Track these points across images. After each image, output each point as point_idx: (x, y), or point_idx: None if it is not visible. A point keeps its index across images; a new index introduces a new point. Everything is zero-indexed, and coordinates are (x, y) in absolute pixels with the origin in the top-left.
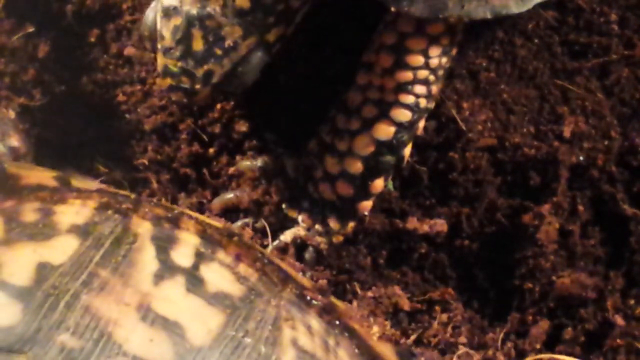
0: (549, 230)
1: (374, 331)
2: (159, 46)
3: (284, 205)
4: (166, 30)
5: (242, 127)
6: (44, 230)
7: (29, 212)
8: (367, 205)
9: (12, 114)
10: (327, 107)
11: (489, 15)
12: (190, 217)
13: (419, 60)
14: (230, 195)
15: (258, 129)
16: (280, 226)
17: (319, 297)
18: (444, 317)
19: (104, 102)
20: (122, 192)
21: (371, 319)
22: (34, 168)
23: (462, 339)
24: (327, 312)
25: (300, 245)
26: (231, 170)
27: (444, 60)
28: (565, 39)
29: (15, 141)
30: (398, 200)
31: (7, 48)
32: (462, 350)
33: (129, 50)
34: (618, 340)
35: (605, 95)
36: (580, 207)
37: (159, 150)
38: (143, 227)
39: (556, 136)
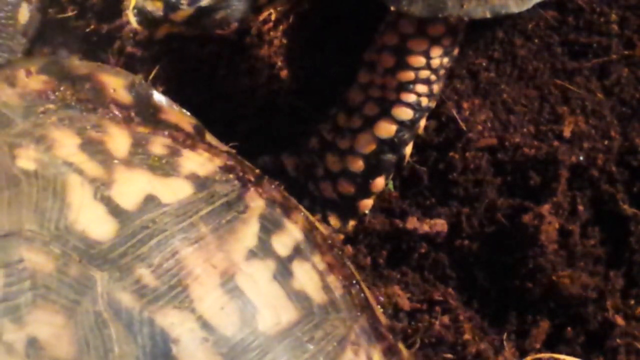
0: (549, 230)
1: None
2: None
3: None
4: None
5: (242, 126)
6: (164, 167)
7: (158, 145)
8: (367, 203)
9: None
10: (327, 107)
11: (488, 15)
12: (302, 213)
13: (421, 61)
14: None
15: (258, 129)
16: None
17: (390, 336)
18: (445, 317)
19: None
20: (247, 163)
21: None
22: (175, 107)
23: (463, 339)
24: (391, 353)
25: None
26: None
27: (445, 60)
28: (565, 39)
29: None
30: (398, 200)
31: None
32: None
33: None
34: (618, 340)
35: (605, 95)
36: (580, 207)
37: None
38: (256, 203)
39: (556, 136)
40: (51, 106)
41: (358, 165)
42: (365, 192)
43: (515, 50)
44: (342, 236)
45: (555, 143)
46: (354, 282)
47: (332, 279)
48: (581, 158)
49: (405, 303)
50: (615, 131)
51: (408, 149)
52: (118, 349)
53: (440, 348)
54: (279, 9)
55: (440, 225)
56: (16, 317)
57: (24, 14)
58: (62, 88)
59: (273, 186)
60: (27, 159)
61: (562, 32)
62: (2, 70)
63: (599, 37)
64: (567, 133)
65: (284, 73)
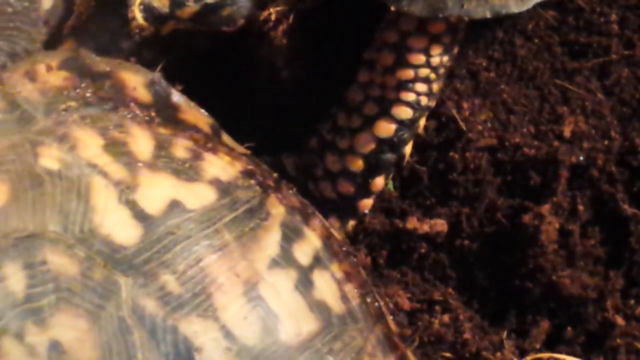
0: (549, 230)
1: None
2: None
3: None
4: None
5: (243, 126)
6: (188, 171)
7: (181, 148)
8: (367, 203)
9: None
10: (327, 106)
11: (488, 15)
12: (319, 219)
13: (420, 58)
14: None
15: (258, 129)
16: None
17: (402, 345)
18: (445, 317)
19: None
20: (264, 166)
21: None
22: (193, 106)
23: (463, 339)
24: None
25: None
26: None
27: (445, 58)
28: (565, 39)
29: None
30: (398, 200)
31: None
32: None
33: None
34: (618, 340)
35: (605, 95)
36: (580, 207)
37: None
38: (277, 210)
39: (556, 136)
40: (72, 103)
41: (358, 164)
42: (365, 192)
43: (515, 50)
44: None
45: (555, 143)
46: (369, 290)
47: (349, 288)
48: (581, 158)
49: (405, 303)
50: (615, 131)
51: (408, 149)
52: (141, 356)
53: (439, 347)
54: (279, 8)
55: (440, 225)
56: (39, 320)
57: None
58: (82, 85)
59: (291, 191)
60: (50, 158)
61: (562, 32)
62: (22, 64)
63: (599, 37)
64: (567, 133)
65: (284, 73)
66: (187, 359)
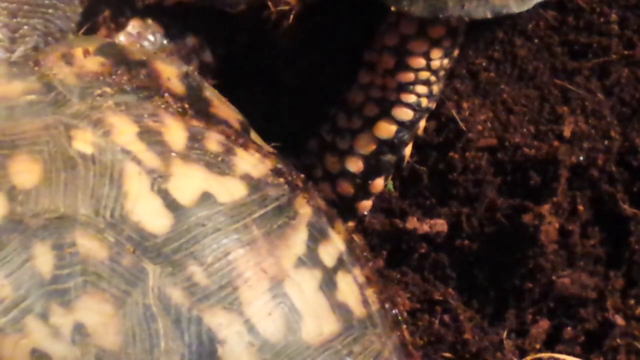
0: (549, 230)
1: None
2: None
3: None
4: None
5: None
6: (220, 165)
7: (213, 142)
8: (367, 204)
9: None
10: (326, 107)
11: (489, 15)
12: (342, 223)
13: (421, 62)
14: None
15: (258, 129)
16: None
17: (416, 354)
18: (445, 317)
19: None
20: (292, 167)
21: None
22: (224, 101)
23: (463, 339)
24: None
25: None
26: None
27: (445, 61)
28: (565, 39)
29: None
30: (398, 200)
31: None
32: None
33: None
34: (618, 340)
35: (605, 95)
36: (580, 207)
37: None
38: (304, 210)
39: (556, 136)
40: (108, 89)
41: (357, 166)
42: (365, 193)
43: (515, 50)
44: None
45: (555, 143)
46: (387, 297)
47: (369, 293)
48: (581, 158)
49: (405, 303)
50: (615, 131)
51: (407, 150)
52: (164, 345)
53: (439, 347)
54: (280, 8)
55: (440, 225)
56: (64, 301)
57: None
58: (118, 72)
59: (316, 193)
60: (84, 142)
61: (562, 32)
62: (58, 46)
63: (599, 37)
64: (567, 133)
65: (284, 72)
66: (210, 350)
